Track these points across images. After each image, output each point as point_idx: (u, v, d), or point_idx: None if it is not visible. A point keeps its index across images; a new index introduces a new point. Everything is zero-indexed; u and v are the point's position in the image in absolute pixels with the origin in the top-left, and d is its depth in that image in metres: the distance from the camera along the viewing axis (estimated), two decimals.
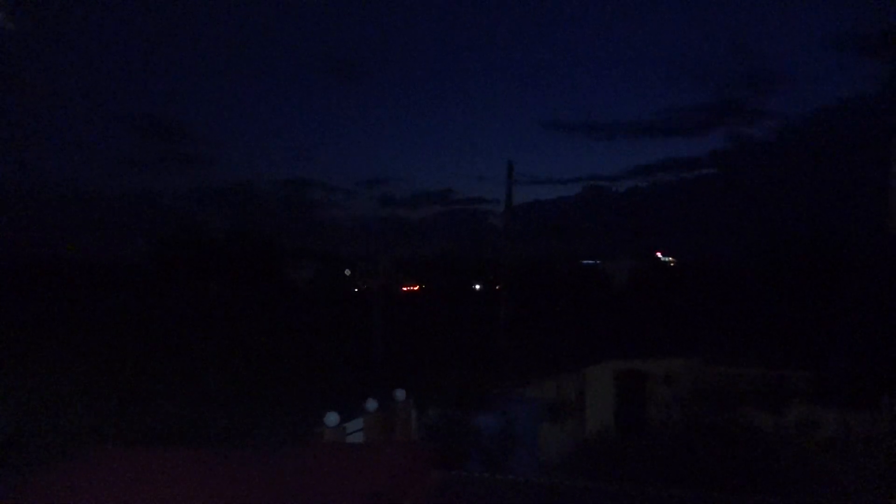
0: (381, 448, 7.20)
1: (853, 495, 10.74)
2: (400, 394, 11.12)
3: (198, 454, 6.09)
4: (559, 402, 20.44)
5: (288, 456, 6.08)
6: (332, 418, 8.92)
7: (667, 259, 76.76)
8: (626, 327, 28.90)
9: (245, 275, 77.22)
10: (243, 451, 5.97)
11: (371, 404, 10.17)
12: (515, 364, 20.96)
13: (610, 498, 6.21)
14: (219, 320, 40.47)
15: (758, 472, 14.12)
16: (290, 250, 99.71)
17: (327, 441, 8.58)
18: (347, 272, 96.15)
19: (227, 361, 23.97)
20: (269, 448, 6.50)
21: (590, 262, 75.15)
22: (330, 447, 7.18)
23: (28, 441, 11.42)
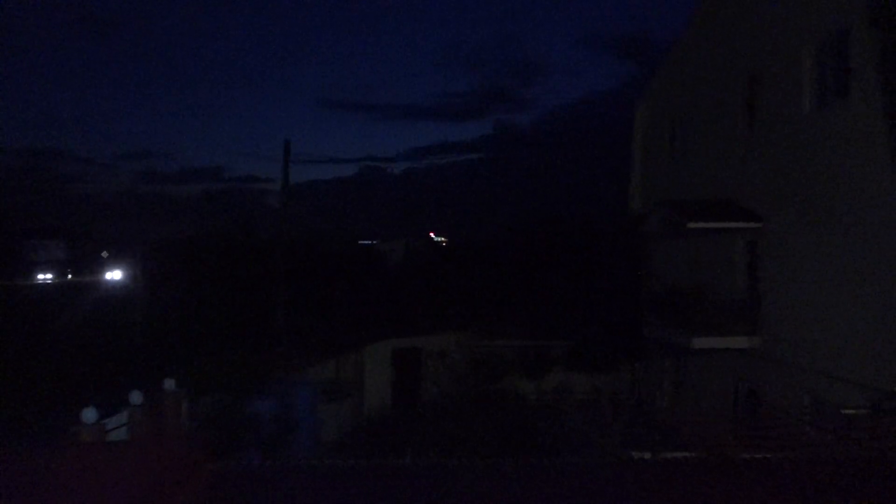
0: (148, 445, 6.68)
1: (601, 448, 12.09)
2: (169, 383, 10.39)
3: None
4: (339, 382, 20.56)
5: (35, 461, 5.39)
6: (89, 414, 8.06)
7: (439, 239, 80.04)
8: (402, 306, 29.64)
9: None
10: None
11: (135, 396, 9.35)
12: (294, 346, 20.62)
13: (386, 473, 6.36)
14: None
15: (521, 434, 15.38)
16: (34, 229, 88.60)
17: (84, 441, 7.78)
18: (105, 254, 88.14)
19: None
20: (11, 453, 5.72)
21: (367, 242, 76.05)
22: (87, 448, 6.50)
23: None
